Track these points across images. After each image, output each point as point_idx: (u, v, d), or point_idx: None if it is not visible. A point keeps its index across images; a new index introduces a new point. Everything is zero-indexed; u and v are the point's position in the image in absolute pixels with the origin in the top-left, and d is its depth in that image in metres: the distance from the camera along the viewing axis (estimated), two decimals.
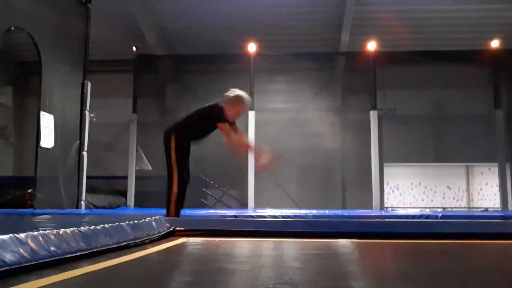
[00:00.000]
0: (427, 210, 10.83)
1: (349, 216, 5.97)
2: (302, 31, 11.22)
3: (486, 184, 12.67)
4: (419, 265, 2.42)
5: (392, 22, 10.42)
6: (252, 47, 10.63)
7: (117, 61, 11.87)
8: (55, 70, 6.97)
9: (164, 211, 4.62)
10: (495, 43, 10.80)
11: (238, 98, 4.76)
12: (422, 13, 10.71)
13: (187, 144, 4.76)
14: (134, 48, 11.24)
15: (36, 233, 2.08)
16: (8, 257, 1.84)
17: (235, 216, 5.16)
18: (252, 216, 5.58)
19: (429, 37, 11.23)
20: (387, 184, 12.59)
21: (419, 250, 3.14)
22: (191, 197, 11.49)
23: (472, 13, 10.64)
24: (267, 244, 3.29)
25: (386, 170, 11.98)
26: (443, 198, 12.77)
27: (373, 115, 10.17)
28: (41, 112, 6.49)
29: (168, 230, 3.59)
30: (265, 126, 11.49)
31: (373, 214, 7.00)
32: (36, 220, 3.49)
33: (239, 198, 11.66)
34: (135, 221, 3.12)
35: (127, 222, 2.99)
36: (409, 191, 12.77)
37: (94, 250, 2.43)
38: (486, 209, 11.74)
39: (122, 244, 2.74)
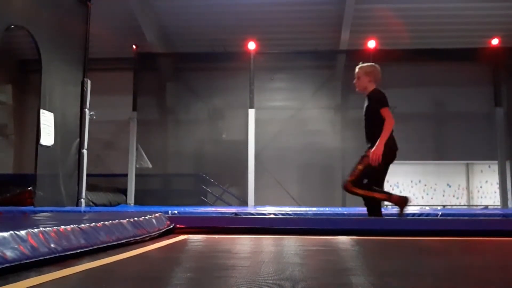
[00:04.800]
0: (427, 208, 10.82)
1: (349, 214, 5.96)
2: (302, 29, 11.20)
3: (486, 182, 12.68)
4: (418, 262, 2.42)
5: (392, 20, 10.41)
6: (252, 45, 10.62)
7: (117, 59, 11.87)
8: (55, 68, 6.96)
9: (164, 208, 4.62)
10: (495, 41, 10.79)
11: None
12: (422, 11, 10.70)
13: None
14: (134, 46, 11.24)
15: (36, 230, 2.09)
16: (9, 254, 1.84)
17: (235, 213, 5.17)
18: (252, 214, 5.58)
19: (429, 35, 11.22)
20: (387, 181, 12.54)
21: (419, 248, 3.15)
22: (191, 195, 11.61)
23: (472, 11, 10.63)
24: (267, 241, 3.29)
25: None
26: (443, 196, 12.78)
27: None
28: (41, 110, 6.49)
29: (168, 228, 3.60)
30: (265, 124, 11.50)
31: None
32: (36, 217, 3.49)
33: (239, 196, 11.66)
34: (135, 218, 3.12)
35: (127, 219, 3.00)
36: (409, 189, 12.77)
37: (94, 247, 2.44)
38: (486, 207, 11.75)
39: (122, 241, 2.75)
